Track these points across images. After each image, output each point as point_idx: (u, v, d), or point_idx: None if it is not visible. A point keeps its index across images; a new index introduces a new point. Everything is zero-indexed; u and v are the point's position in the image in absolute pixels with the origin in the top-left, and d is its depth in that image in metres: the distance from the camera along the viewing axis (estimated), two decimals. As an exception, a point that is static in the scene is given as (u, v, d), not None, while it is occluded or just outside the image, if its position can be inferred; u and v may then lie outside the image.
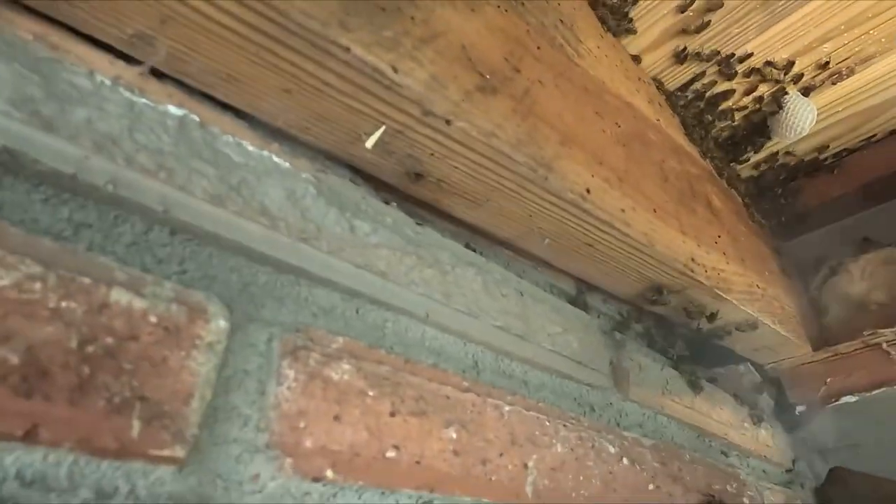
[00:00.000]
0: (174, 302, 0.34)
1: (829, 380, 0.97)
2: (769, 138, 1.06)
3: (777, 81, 0.97)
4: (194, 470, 0.32)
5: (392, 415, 0.42)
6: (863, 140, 1.09)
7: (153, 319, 0.32)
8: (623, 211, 0.60)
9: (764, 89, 0.99)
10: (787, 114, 0.99)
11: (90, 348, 0.29)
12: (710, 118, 1.03)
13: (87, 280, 0.30)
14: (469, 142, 0.46)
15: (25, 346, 0.26)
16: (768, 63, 0.94)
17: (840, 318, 1.02)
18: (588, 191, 0.56)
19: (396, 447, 0.41)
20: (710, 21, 0.88)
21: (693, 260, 0.70)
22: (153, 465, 0.30)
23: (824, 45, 0.91)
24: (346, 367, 0.41)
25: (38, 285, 0.28)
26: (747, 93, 0.99)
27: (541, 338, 0.60)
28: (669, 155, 0.83)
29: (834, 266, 1.08)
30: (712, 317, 0.78)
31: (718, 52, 0.92)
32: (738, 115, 1.04)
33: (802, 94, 0.98)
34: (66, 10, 0.34)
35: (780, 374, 1.02)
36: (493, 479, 0.47)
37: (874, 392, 0.93)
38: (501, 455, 0.48)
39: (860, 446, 0.96)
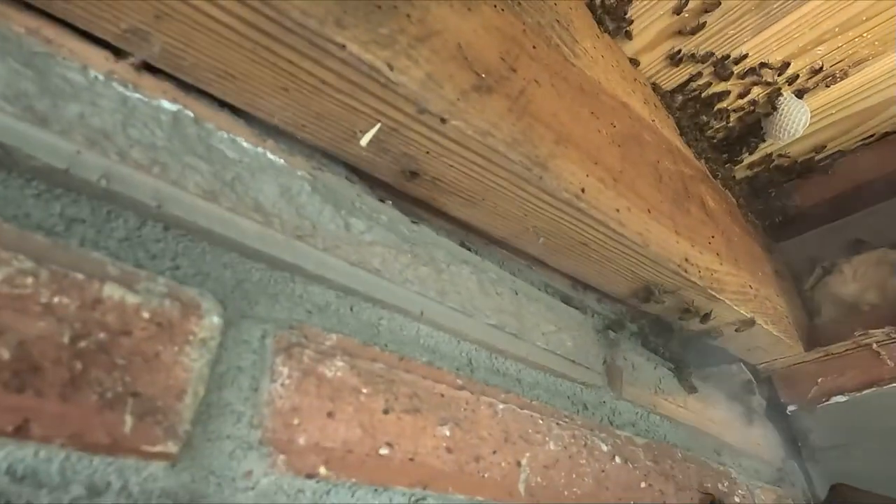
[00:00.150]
0: (167, 298, 0.33)
1: (820, 380, 0.98)
2: (763, 140, 1.06)
3: (771, 83, 0.98)
4: (187, 466, 0.32)
5: (386, 412, 0.42)
6: (856, 142, 1.10)
7: (146, 315, 0.32)
8: (618, 211, 0.61)
9: (758, 91, 0.99)
10: (781, 115, 1.00)
11: (83, 343, 0.29)
12: (704, 119, 1.03)
13: (79, 275, 0.30)
14: (464, 140, 0.46)
15: (17, 340, 0.26)
16: (763, 65, 0.94)
17: (832, 319, 1.03)
18: (583, 190, 0.56)
19: (390, 444, 0.41)
20: (705, 22, 0.88)
21: (687, 260, 0.71)
22: (146, 460, 0.30)
23: (818, 48, 0.92)
24: (340, 364, 0.41)
25: (30, 280, 0.28)
26: (742, 94, 1.00)
27: (535, 336, 0.60)
28: (664, 155, 0.83)
29: (827, 267, 1.09)
30: (705, 317, 0.78)
31: (714, 54, 0.93)
32: (732, 117, 1.04)
33: (796, 96, 0.99)
34: (61, 6, 0.34)
35: (773, 374, 1.03)
36: (487, 476, 0.47)
37: (865, 392, 0.94)
38: (495, 453, 0.49)
39: (851, 446, 0.97)
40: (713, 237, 0.83)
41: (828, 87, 0.99)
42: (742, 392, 0.97)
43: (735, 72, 0.95)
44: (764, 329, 0.85)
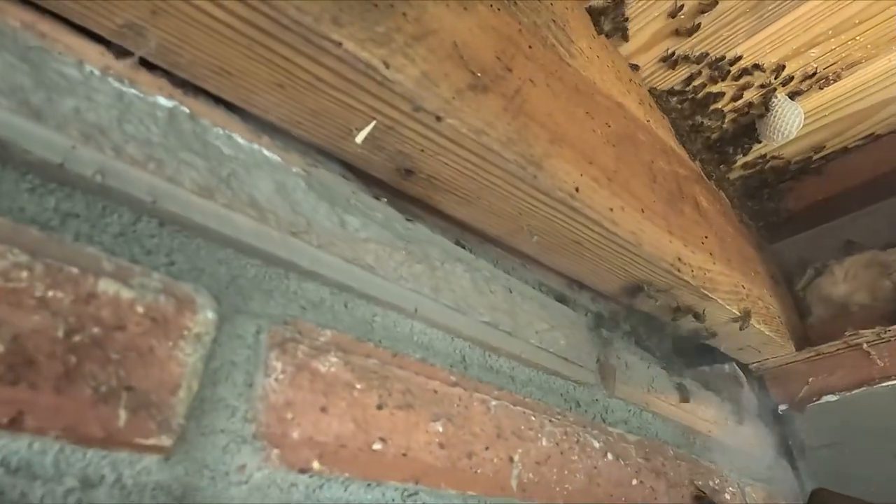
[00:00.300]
0: (162, 293, 0.34)
1: (810, 379, 0.99)
2: (757, 141, 1.07)
3: (765, 85, 0.98)
4: (181, 460, 0.32)
5: (379, 407, 0.42)
6: (849, 144, 1.11)
7: (140, 310, 0.32)
8: (611, 210, 0.61)
9: (752, 93, 1.00)
10: (774, 117, 1.00)
11: (77, 338, 0.29)
12: (699, 120, 1.04)
13: (74, 270, 0.30)
14: (459, 139, 0.46)
15: (12, 334, 0.26)
16: (757, 66, 0.95)
17: (823, 319, 1.04)
18: (577, 189, 0.57)
19: (383, 439, 0.41)
20: (700, 24, 0.89)
21: (680, 260, 0.71)
22: (139, 454, 0.30)
23: (812, 51, 0.93)
24: (334, 359, 0.41)
25: (24, 274, 0.28)
26: (736, 95, 1.01)
27: (528, 334, 0.61)
28: (658, 155, 0.84)
29: (818, 268, 1.10)
30: (698, 316, 0.79)
31: (708, 55, 0.93)
32: (726, 118, 1.05)
33: (790, 98, 1.00)
34: (57, 1, 0.34)
35: (764, 374, 1.04)
36: (479, 472, 0.47)
37: (855, 391, 0.95)
38: (487, 448, 0.49)
39: (841, 445, 0.98)
40: (706, 237, 0.84)
41: (821, 89, 1.00)
42: (733, 391, 0.98)
43: (729, 73, 0.96)
44: (756, 329, 0.86)
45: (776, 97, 1.00)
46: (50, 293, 0.29)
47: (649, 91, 0.97)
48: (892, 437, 0.91)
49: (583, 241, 0.62)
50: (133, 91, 0.37)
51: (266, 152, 0.44)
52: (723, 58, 0.94)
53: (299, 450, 0.36)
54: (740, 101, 1.02)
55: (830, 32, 0.90)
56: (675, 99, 1.00)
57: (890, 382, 0.92)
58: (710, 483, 0.77)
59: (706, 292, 0.75)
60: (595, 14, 0.85)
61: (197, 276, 0.37)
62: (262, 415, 0.35)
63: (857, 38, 0.90)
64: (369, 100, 0.42)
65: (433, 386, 0.47)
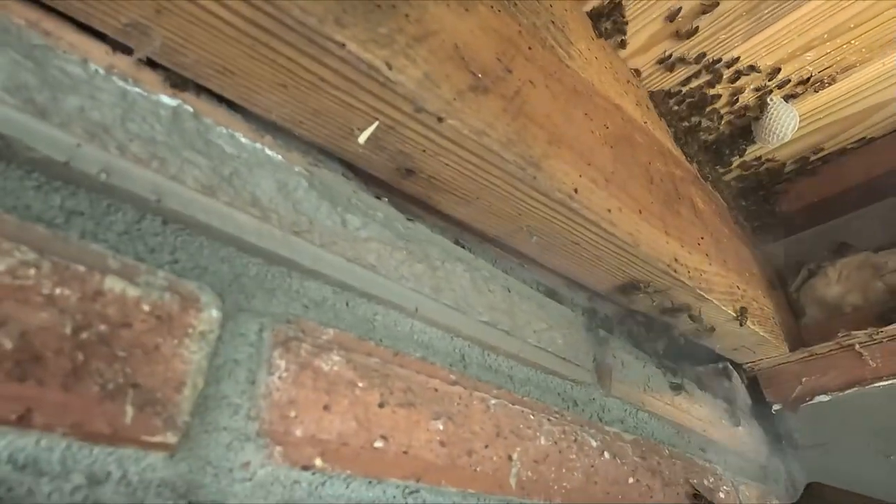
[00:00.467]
0: (167, 291, 0.34)
1: (804, 379, 1.00)
2: (753, 143, 1.08)
3: (761, 87, 0.99)
4: (185, 457, 0.32)
5: (381, 406, 0.42)
6: (843, 147, 1.12)
7: (146, 308, 0.32)
8: (609, 211, 0.62)
9: (748, 95, 1.01)
10: (770, 119, 1.01)
11: (84, 335, 0.29)
12: (695, 121, 1.05)
13: (80, 267, 0.30)
14: (460, 140, 0.47)
15: (20, 331, 0.27)
16: (753, 68, 0.96)
17: (816, 320, 1.05)
18: (576, 190, 0.57)
19: (384, 437, 0.41)
20: (698, 27, 0.89)
21: (676, 260, 0.72)
22: (145, 451, 0.30)
23: (807, 54, 0.94)
24: (337, 358, 0.41)
25: (32, 272, 0.28)
26: (732, 98, 1.02)
27: (526, 334, 0.61)
28: (655, 157, 0.84)
29: (812, 269, 1.11)
30: (694, 317, 0.80)
31: (705, 57, 0.94)
32: (722, 120, 1.06)
33: (785, 101, 1.01)
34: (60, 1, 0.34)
35: (758, 374, 1.05)
36: (479, 469, 0.48)
37: (847, 392, 0.96)
38: (487, 447, 0.49)
39: (833, 444, 0.99)
40: (702, 238, 0.85)
41: (816, 92, 1.01)
42: (728, 391, 0.99)
43: (726, 76, 0.97)
44: (751, 329, 0.86)
45: (772, 100, 1.01)
46: (57, 290, 0.29)
47: (646, 93, 0.98)
48: (884, 436, 0.93)
49: (581, 241, 0.62)
50: (137, 90, 0.37)
51: (268, 151, 0.44)
52: (720, 60, 0.95)
53: (302, 447, 0.37)
54: (736, 104, 1.03)
55: (826, 36, 0.91)
56: (671, 101, 1.01)
57: (882, 383, 0.93)
58: (705, 482, 0.78)
59: (702, 293, 0.76)
60: (594, 17, 0.86)
61: (200, 274, 0.38)
62: (266, 412, 0.36)
63: (852, 41, 0.91)
64: (371, 100, 0.43)
65: (434, 384, 0.48)
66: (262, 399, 0.36)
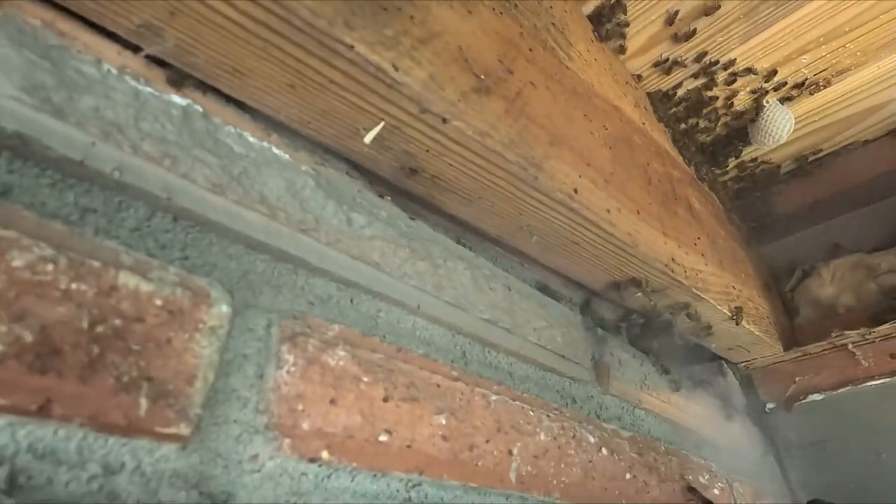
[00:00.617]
0: (179, 286, 0.35)
1: (797, 378, 1.02)
2: (749, 144, 1.10)
3: (757, 90, 1.01)
4: (196, 448, 0.33)
5: (385, 400, 0.43)
6: (837, 149, 1.13)
7: (159, 303, 0.33)
8: (608, 211, 0.63)
9: (745, 97, 1.02)
10: (766, 121, 1.03)
11: (100, 329, 0.30)
12: (692, 123, 1.06)
13: (96, 263, 0.31)
14: (464, 140, 0.48)
15: (40, 325, 0.27)
16: (750, 71, 0.97)
17: (810, 320, 1.07)
18: (576, 191, 0.58)
19: (389, 431, 0.42)
20: (696, 29, 0.90)
21: (673, 260, 0.73)
22: (158, 442, 0.31)
23: (803, 57, 0.95)
24: (342, 353, 0.42)
25: (50, 267, 0.29)
26: (728, 100, 1.03)
27: (527, 331, 0.62)
28: (653, 158, 0.86)
29: (806, 269, 1.13)
30: (690, 316, 0.81)
31: (703, 59, 0.95)
32: (719, 121, 1.07)
33: (781, 103, 1.02)
34: (76, 0, 0.35)
35: (752, 373, 1.07)
36: (480, 464, 0.49)
37: (840, 391, 0.97)
38: (488, 441, 0.50)
39: (826, 442, 1.01)
40: (699, 238, 0.86)
41: (812, 94, 1.02)
42: (723, 389, 1.00)
43: (723, 78, 0.98)
44: (746, 329, 0.88)
45: (768, 102, 1.02)
46: (74, 286, 0.30)
47: (645, 94, 0.99)
48: (875, 434, 0.94)
49: (581, 241, 0.63)
50: (149, 89, 0.38)
51: (276, 150, 0.45)
52: (717, 62, 0.96)
53: (309, 440, 0.37)
54: (733, 106, 1.04)
55: (822, 39, 0.92)
56: (669, 102, 1.02)
57: (873, 382, 0.94)
58: (700, 479, 0.79)
59: (698, 292, 0.77)
60: (594, 18, 0.87)
61: (209, 270, 0.38)
62: (274, 406, 0.37)
63: (848, 45, 0.93)
64: (378, 101, 0.43)
65: (436, 380, 0.49)
66: (271, 393, 0.37)
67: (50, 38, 0.34)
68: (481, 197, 0.55)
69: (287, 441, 0.36)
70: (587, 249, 0.65)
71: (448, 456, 0.46)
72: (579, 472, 0.59)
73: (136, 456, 0.30)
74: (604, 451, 0.64)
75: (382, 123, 0.45)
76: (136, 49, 0.38)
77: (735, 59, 0.96)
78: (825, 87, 1.01)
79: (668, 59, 0.95)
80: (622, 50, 0.92)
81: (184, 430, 0.32)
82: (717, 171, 1.17)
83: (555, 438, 0.58)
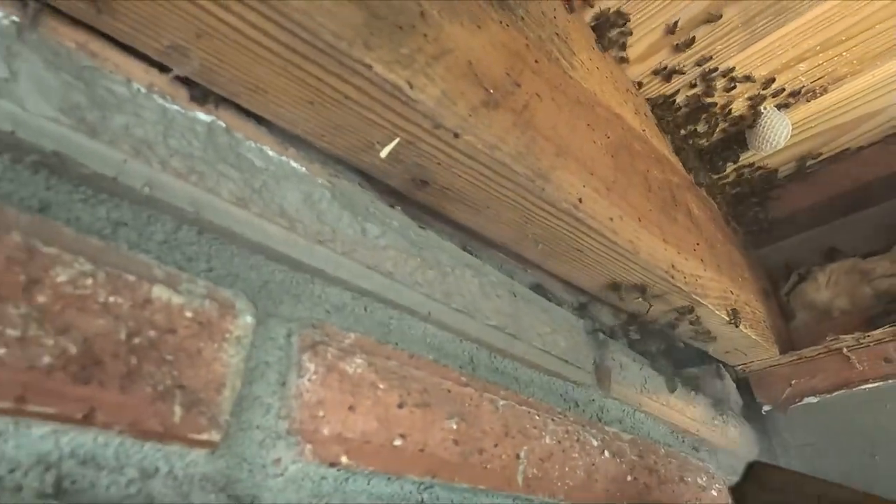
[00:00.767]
0: (206, 298, 0.36)
1: (793, 381, 1.04)
2: (747, 150, 1.12)
3: (755, 97, 1.03)
4: (223, 453, 0.34)
5: (400, 406, 0.45)
6: (833, 155, 1.15)
7: (189, 314, 0.35)
8: (611, 219, 0.64)
9: (742, 104, 1.04)
10: (763, 127, 1.05)
11: (136, 340, 0.31)
12: (691, 129, 1.08)
13: (131, 277, 0.33)
14: (474, 153, 0.49)
15: (82, 337, 0.29)
16: (748, 78, 0.99)
17: (806, 324, 1.09)
18: (580, 200, 0.60)
19: (403, 436, 0.44)
20: (695, 37, 0.92)
21: (673, 267, 0.75)
22: (189, 448, 0.32)
23: (800, 65, 0.97)
24: (359, 361, 0.44)
25: (89, 281, 0.30)
26: (727, 106, 1.05)
27: (531, 337, 0.64)
28: (653, 164, 0.87)
29: (802, 273, 1.15)
30: (689, 320, 0.83)
31: (702, 67, 0.97)
32: (717, 127, 1.09)
33: (778, 110, 1.04)
34: (108, 23, 0.36)
35: (749, 376, 1.09)
36: (489, 467, 0.50)
37: (835, 393, 0.99)
38: (496, 445, 0.52)
39: (822, 444, 1.03)
40: (698, 244, 0.88)
41: (808, 101, 1.04)
42: (721, 392, 1.02)
43: (721, 85, 1.00)
44: (743, 332, 0.90)
45: (765, 108, 1.04)
46: (111, 299, 0.31)
47: (644, 101, 1.01)
48: (870, 437, 0.96)
49: (584, 248, 0.65)
50: (175, 107, 0.39)
51: (293, 164, 0.46)
52: (716, 70, 0.98)
53: (329, 445, 0.39)
54: (731, 113, 1.06)
55: (819, 48, 0.94)
56: (669, 109, 1.04)
57: (868, 385, 0.97)
58: (699, 480, 0.81)
59: (697, 298, 0.79)
60: (596, 28, 0.88)
61: (232, 281, 0.40)
62: (296, 412, 0.38)
63: (844, 53, 0.95)
64: (392, 117, 0.45)
65: (447, 386, 0.50)
66: (293, 400, 0.38)
67: (83, 59, 0.36)
68: (489, 206, 0.57)
69: (308, 446, 0.38)
70: (590, 256, 0.67)
71: (459, 459, 0.48)
72: (583, 475, 0.61)
73: (169, 461, 0.32)
74: (606, 453, 0.66)
75: (398, 139, 0.46)
76: (161, 68, 0.40)
77: (734, 66, 0.98)
78: (822, 94, 1.03)
79: (667, 67, 0.97)
80: (623, 58, 0.93)
81: (214, 436, 0.33)
82: (716, 176, 1.19)
83: (559, 442, 0.60)
